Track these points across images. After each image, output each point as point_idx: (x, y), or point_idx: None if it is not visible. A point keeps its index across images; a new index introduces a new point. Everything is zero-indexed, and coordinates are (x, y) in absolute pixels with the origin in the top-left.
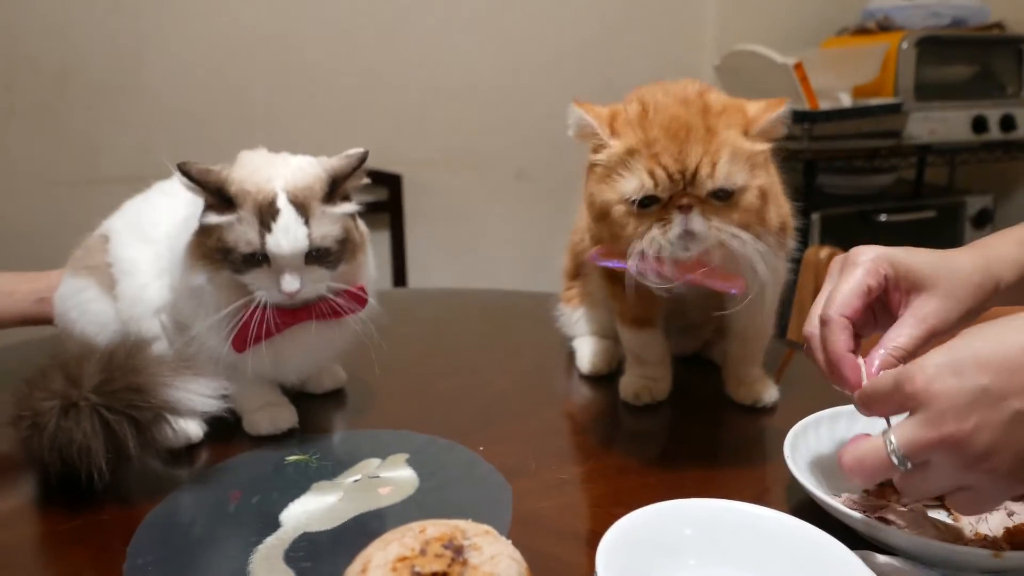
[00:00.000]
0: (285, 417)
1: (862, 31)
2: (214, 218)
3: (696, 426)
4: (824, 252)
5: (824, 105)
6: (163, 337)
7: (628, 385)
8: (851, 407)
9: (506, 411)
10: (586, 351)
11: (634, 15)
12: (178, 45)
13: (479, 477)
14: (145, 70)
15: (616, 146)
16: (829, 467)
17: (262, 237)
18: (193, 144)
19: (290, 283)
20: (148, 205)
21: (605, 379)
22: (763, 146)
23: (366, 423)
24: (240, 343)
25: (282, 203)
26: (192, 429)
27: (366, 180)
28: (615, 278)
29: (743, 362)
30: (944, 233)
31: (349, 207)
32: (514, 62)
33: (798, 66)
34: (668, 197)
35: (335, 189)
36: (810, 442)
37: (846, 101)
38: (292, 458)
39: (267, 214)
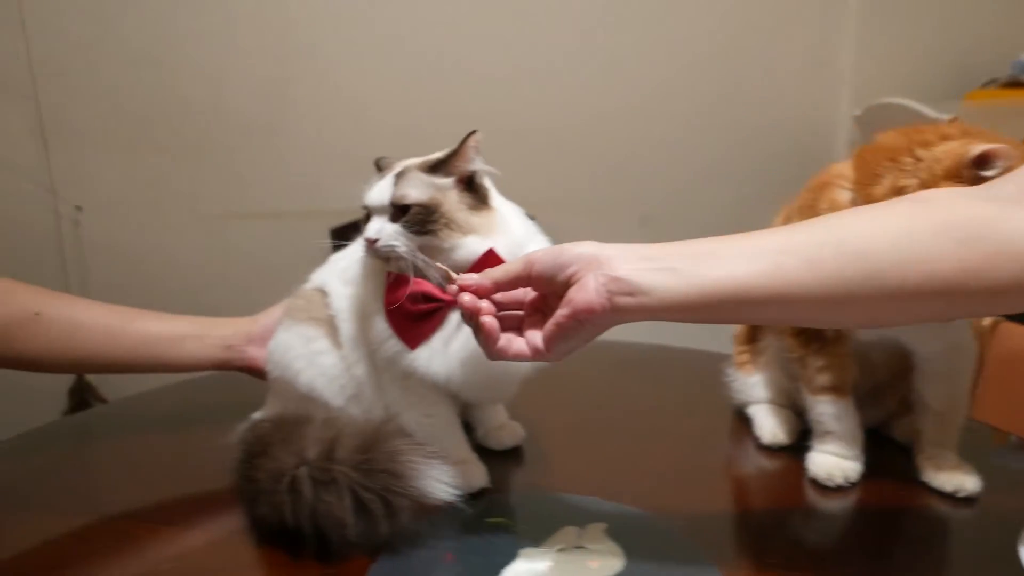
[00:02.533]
0: (477, 476)
1: (1014, 84)
2: None
3: (894, 511)
4: (988, 320)
5: None
6: (374, 379)
7: (819, 463)
8: None
9: (688, 479)
10: (767, 421)
11: (765, 64)
12: (321, 88)
13: (684, 556)
14: (289, 112)
15: None
16: None
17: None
18: (330, 181)
19: (369, 229)
20: (352, 252)
21: (784, 450)
22: None
23: (550, 485)
24: (404, 330)
25: (392, 170)
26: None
27: (481, 166)
28: (807, 340)
29: (939, 443)
30: None
31: (443, 180)
32: (641, 109)
33: (953, 122)
34: None
35: (440, 164)
36: None
37: None
38: (492, 520)
39: (378, 178)
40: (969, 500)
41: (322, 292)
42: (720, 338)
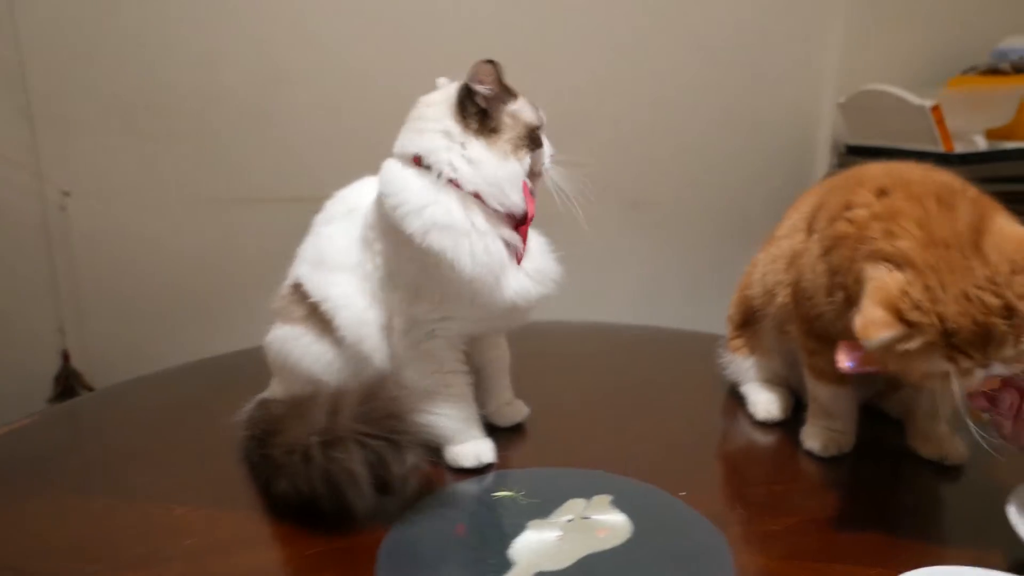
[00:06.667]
0: (486, 452)
1: (993, 71)
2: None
3: (886, 480)
4: None
5: (959, 148)
6: (390, 350)
7: (815, 436)
8: None
9: (687, 452)
10: (761, 398)
11: (753, 50)
12: (315, 75)
13: (689, 524)
14: (282, 98)
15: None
16: None
17: (537, 113)
18: (325, 167)
19: (547, 145)
20: (324, 240)
21: (778, 425)
22: None
23: (554, 460)
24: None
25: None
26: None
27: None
28: (817, 337)
29: (930, 417)
30: None
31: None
32: (631, 94)
33: (935, 108)
34: None
35: None
36: None
37: (981, 144)
38: (500, 493)
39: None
40: (956, 469)
41: (296, 286)
42: (709, 319)
